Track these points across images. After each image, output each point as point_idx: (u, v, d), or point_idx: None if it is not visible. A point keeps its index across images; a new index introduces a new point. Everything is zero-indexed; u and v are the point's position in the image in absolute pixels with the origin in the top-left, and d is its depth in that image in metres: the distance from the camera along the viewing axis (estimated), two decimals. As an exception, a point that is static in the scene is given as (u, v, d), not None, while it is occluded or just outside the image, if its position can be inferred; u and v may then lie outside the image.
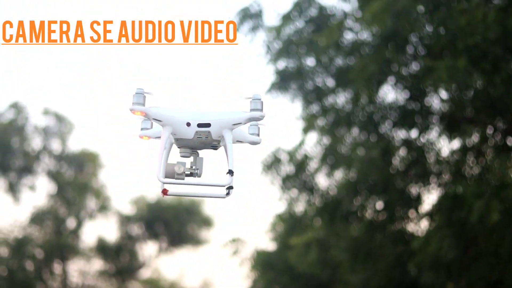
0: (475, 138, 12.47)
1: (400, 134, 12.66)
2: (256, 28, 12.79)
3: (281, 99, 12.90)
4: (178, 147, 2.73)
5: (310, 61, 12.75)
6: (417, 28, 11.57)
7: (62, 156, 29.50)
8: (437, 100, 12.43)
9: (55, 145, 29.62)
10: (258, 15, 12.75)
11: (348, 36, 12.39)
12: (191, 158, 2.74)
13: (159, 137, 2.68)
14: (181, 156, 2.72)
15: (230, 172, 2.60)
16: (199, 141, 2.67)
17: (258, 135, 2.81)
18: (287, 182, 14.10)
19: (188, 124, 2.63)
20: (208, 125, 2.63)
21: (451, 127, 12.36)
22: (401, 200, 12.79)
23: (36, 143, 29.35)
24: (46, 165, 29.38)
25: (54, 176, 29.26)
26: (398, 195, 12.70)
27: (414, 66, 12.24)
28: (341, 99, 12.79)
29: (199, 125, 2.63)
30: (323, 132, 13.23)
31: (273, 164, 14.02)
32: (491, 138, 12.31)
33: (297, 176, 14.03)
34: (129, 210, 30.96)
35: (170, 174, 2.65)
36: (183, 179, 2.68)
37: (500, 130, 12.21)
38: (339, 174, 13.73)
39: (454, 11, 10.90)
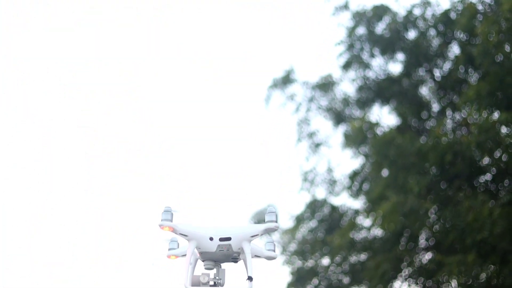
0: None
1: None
2: None
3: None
4: (202, 261, 3.01)
5: (324, 261, 13.04)
6: (426, 225, 11.94)
7: None
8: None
9: None
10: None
11: (360, 235, 12.72)
12: (215, 270, 3.01)
13: (185, 255, 2.97)
14: (205, 268, 3.00)
15: (250, 278, 2.87)
16: (221, 254, 2.96)
17: (274, 250, 3.07)
18: None
19: (211, 239, 2.94)
20: (229, 238, 2.94)
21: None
22: None
23: None
24: None
25: None
26: None
27: (426, 257, 12.52)
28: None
29: (221, 239, 2.94)
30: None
31: None
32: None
33: None
34: None
35: (196, 283, 2.94)
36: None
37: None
38: None
39: (462, 208, 11.29)
